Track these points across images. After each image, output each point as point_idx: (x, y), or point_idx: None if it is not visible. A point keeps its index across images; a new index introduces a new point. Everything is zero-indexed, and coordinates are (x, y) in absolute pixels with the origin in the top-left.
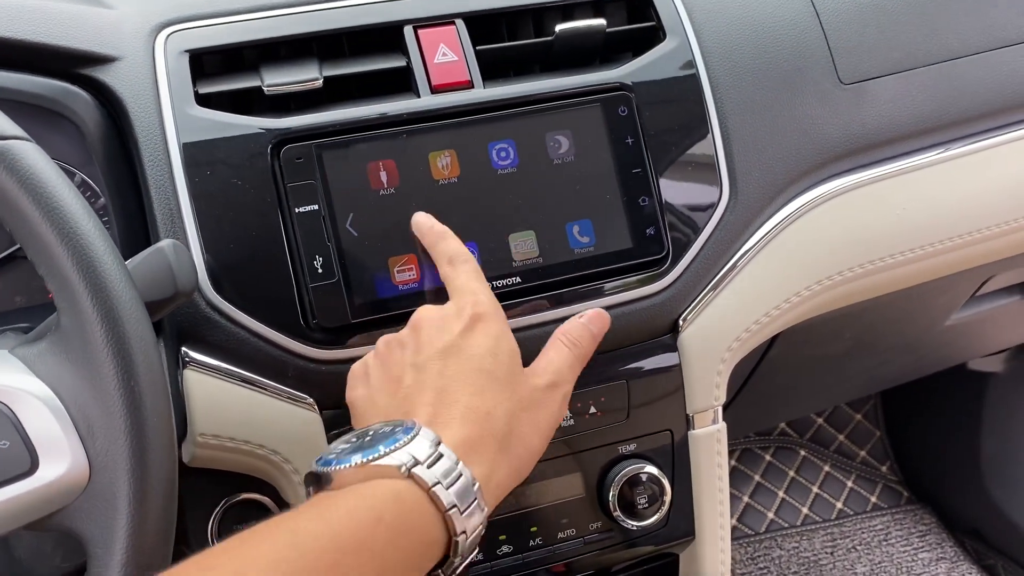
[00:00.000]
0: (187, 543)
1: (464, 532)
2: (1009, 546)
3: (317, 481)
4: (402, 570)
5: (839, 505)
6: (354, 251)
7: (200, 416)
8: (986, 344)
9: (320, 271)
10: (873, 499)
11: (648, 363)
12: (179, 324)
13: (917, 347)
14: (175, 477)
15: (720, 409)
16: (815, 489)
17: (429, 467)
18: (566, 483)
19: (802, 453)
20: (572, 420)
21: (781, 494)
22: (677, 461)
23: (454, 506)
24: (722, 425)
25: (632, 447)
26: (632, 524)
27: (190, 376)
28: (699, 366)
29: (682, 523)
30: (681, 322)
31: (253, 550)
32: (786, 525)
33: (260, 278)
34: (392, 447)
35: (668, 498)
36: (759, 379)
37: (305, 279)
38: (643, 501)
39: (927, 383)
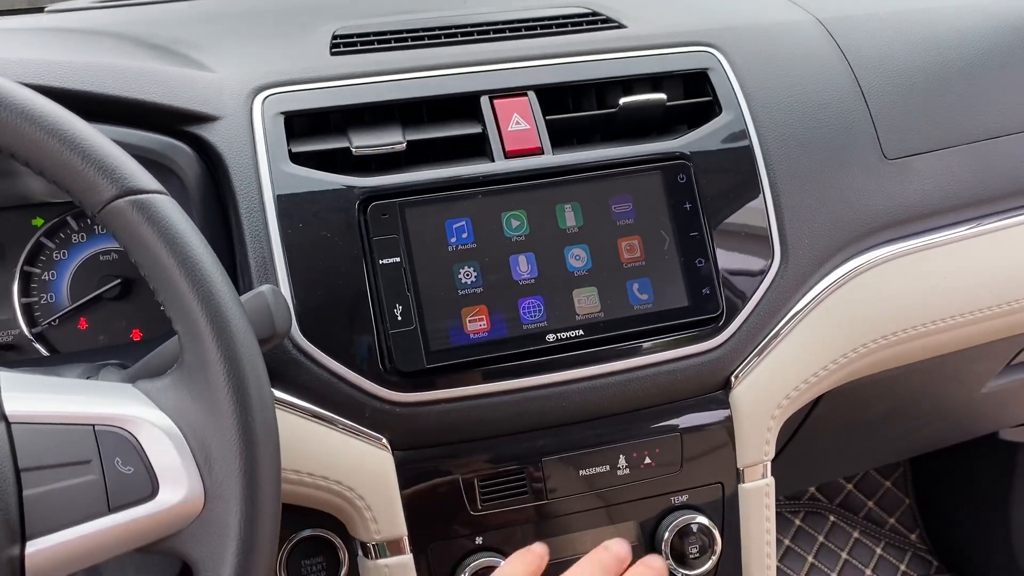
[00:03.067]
0: None
1: None
2: None
3: None
4: None
5: (868, 572)
6: (431, 301)
7: (282, 452)
8: (1020, 413)
9: (399, 319)
10: (902, 567)
11: (701, 417)
12: (266, 365)
13: (953, 413)
14: (280, 508)
15: (769, 464)
16: (844, 555)
17: None
18: (619, 531)
19: (831, 518)
20: (628, 470)
21: (810, 559)
22: (727, 512)
23: None
24: (771, 479)
25: (684, 498)
26: (683, 572)
27: None
28: (750, 421)
29: (731, 572)
30: (733, 379)
31: None
32: None
33: (344, 324)
34: None
35: (718, 548)
36: (800, 440)
37: (385, 326)
38: (694, 551)
39: (957, 452)
